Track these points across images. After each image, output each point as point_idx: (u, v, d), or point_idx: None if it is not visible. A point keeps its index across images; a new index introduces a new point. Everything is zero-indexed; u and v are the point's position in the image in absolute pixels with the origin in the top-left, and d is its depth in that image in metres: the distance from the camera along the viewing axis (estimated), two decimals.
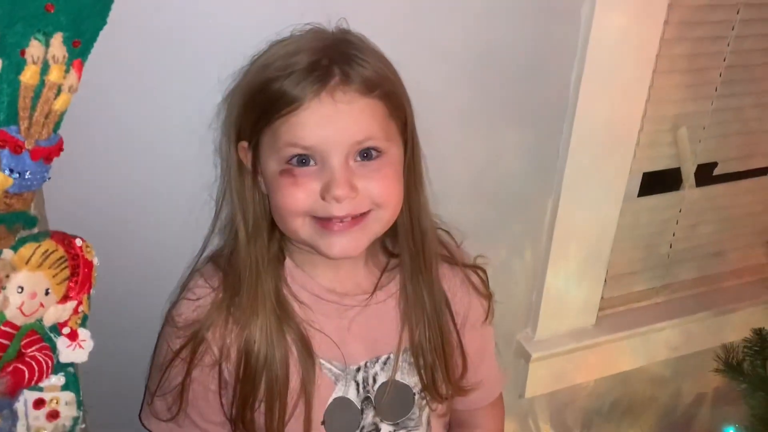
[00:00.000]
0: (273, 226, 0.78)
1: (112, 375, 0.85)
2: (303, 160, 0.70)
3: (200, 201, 0.84)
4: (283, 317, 0.77)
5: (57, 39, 0.49)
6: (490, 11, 0.91)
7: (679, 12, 1.05)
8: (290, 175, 0.71)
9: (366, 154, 0.71)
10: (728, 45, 1.13)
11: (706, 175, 1.26)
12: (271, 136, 0.71)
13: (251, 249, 0.77)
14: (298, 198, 0.71)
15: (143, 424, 0.86)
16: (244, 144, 0.75)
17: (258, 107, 0.71)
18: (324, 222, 0.72)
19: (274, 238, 0.79)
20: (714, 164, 1.25)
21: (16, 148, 0.49)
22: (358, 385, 0.82)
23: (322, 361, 0.80)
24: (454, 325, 0.86)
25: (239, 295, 0.77)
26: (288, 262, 0.80)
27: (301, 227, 0.73)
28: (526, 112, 1.02)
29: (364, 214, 0.73)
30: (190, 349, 0.77)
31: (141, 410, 0.87)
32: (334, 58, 0.70)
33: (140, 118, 0.79)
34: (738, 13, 1.11)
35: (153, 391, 0.82)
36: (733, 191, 1.31)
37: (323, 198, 0.70)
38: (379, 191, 0.72)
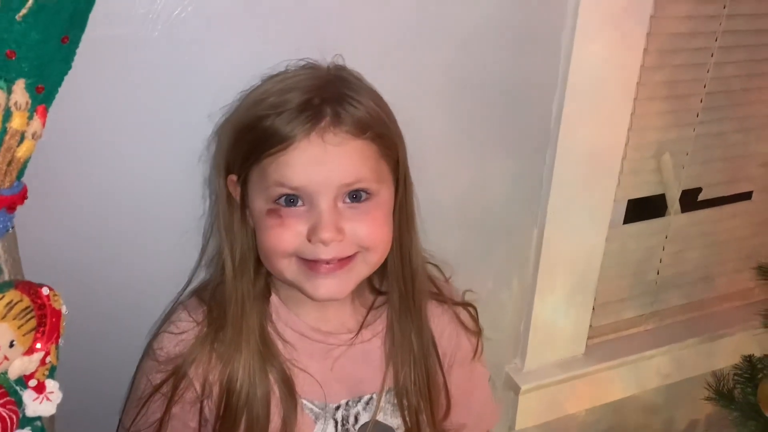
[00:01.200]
0: (260, 261, 0.77)
1: (89, 414, 0.83)
2: (291, 199, 0.69)
3: (186, 235, 0.83)
4: (267, 355, 0.76)
5: (19, 85, 0.47)
6: (471, 40, 0.91)
7: (658, 40, 1.06)
8: (277, 215, 0.70)
9: (355, 195, 0.70)
10: (708, 72, 1.14)
11: (690, 200, 1.26)
12: (259, 174, 0.70)
13: (237, 283, 0.75)
14: (284, 239, 0.70)
15: None
16: (233, 177, 0.74)
17: (248, 143, 0.70)
18: (310, 264, 0.71)
19: (261, 273, 0.78)
20: (698, 189, 1.25)
21: None
22: (336, 423, 0.80)
23: (304, 401, 0.78)
24: (440, 366, 0.84)
25: (224, 330, 0.75)
26: (274, 298, 0.79)
27: (287, 268, 0.72)
28: (508, 141, 1.02)
29: (350, 257, 0.72)
30: (171, 385, 0.75)
31: None
32: (327, 98, 0.69)
33: (128, 150, 0.78)
34: (716, 40, 1.12)
35: (127, 427, 0.80)
36: (719, 216, 1.30)
37: (309, 240, 0.69)
38: (367, 234, 0.71)
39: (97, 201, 0.79)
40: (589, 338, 1.23)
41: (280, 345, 0.77)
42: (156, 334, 0.80)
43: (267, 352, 0.76)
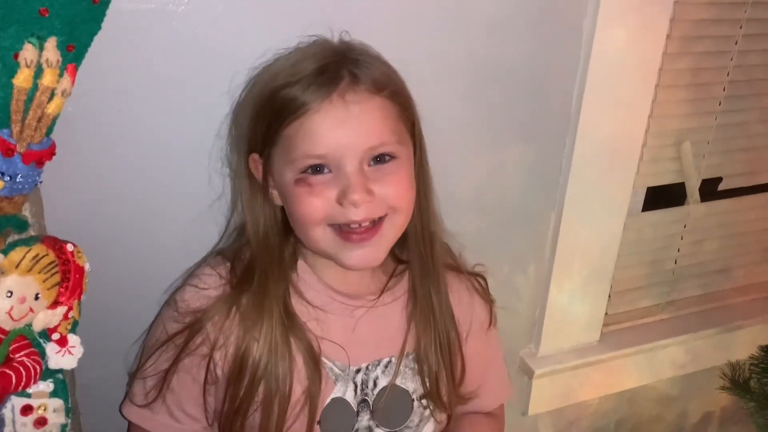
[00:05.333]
0: (286, 235, 0.78)
1: (106, 381, 0.85)
2: (317, 168, 0.70)
3: (205, 207, 0.84)
4: (290, 326, 0.77)
5: (51, 43, 0.49)
6: (492, 26, 0.92)
7: (682, 26, 1.05)
8: (306, 184, 0.71)
9: (379, 158, 0.72)
10: (731, 59, 1.13)
11: (710, 190, 1.25)
12: (283, 147, 0.71)
13: (262, 257, 0.77)
14: (316, 206, 0.71)
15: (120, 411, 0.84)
16: (255, 156, 0.75)
17: (268, 116, 0.71)
18: (344, 234, 0.72)
19: (288, 242, 0.79)
20: (719, 179, 1.25)
21: (8, 151, 0.49)
22: (356, 386, 0.81)
23: (325, 360, 0.79)
24: (457, 334, 0.85)
25: (247, 295, 0.76)
26: (300, 263, 0.80)
27: (322, 237, 0.73)
28: (528, 127, 1.02)
29: (380, 220, 0.73)
30: (185, 336, 0.76)
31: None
32: (341, 61, 0.70)
33: (146, 124, 0.80)
34: (741, 27, 1.11)
35: (136, 372, 0.81)
36: (739, 207, 1.29)
37: (340, 204, 0.70)
38: (395, 194, 0.72)
39: (119, 167, 0.81)
40: (604, 326, 1.23)
41: (303, 308, 0.78)
42: (180, 287, 0.81)
43: (290, 322, 0.77)
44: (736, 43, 1.12)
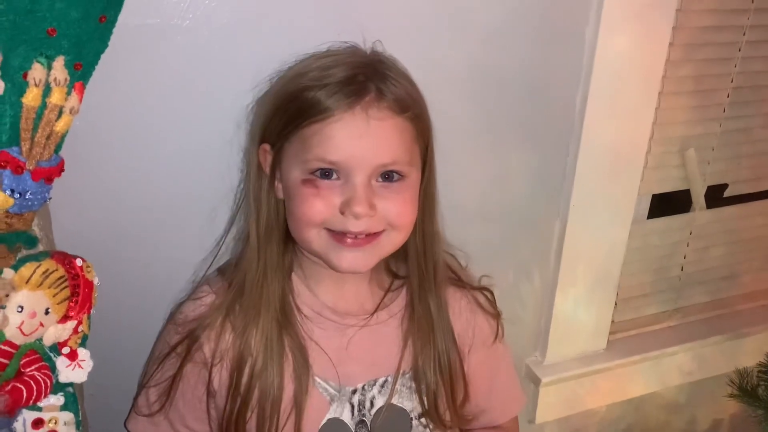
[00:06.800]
0: (286, 236, 0.79)
1: (113, 394, 0.85)
2: (327, 172, 0.71)
3: (219, 206, 0.85)
4: (285, 324, 0.78)
5: (59, 62, 0.50)
6: (494, 34, 0.93)
7: (684, 34, 1.06)
8: (313, 185, 0.71)
9: (388, 176, 0.73)
10: (735, 66, 1.13)
11: (716, 196, 1.25)
12: (298, 145, 0.72)
13: (261, 252, 0.77)
14: (318, 209, 0.71)
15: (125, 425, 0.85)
16: (266, 147, 0.76)
17: (289, 113, 0.72)
18: (338, 236, 0.73)
19: (287, 250, 0.80)
20: (724, 186, 1.25)
21: (18, 169, 0.50)
22: (353, 407, 0.81)
23: (318, 380, 0.79)
24: (458, 351, 0.85)
25: (242, 297, 0.77)
26: (294, 276, 0.81)
27: (315, 238, 0.74)
28: (531, 134, 1.02)
29: (377, 233, 0.74)
30: (185, 346, 0.78)
31: None
32: (370, 75, 0.71)
33: (152, 138, 0.81)
34: (744, 34, 1.11)
35: (143, 384, 0.82)
36: (745, 213, 1.29)
37: (342, 212, 0.71)
38: (396, 214, 0.73)
39: (125, 180, 0.82)
40: (611, 333, 1.23)
41: (297, 318, 0.79)
42: (178, 303, 0.83)
43: (285, 321, 0.78)
44: (739, 50, 1.13)
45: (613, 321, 1.23)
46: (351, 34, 0.79)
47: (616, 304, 1.21)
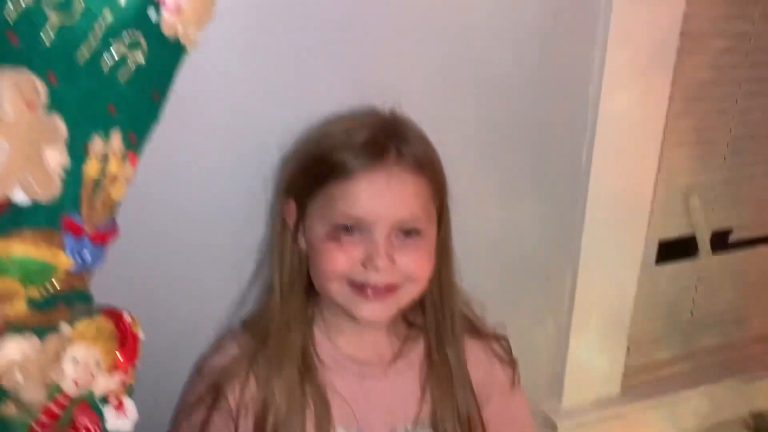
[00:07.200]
0: (308, 288, 0.83)
1: None
2: (349, 228, 0.76)
3: (245, 260, 0.89)
4: (306, 374, 0.81)
5: (116, 135, 0.55)
6: (503, 89, 0.97)
7: (683, 88, 1.11)
8: (336, 240, 0.76)
9: (407, 231, 0.77)
10: (733, 117, 1.18)
11: (721, 241, 1.28)
12: (322, 202, 0.77)
13: (284, 304, 0.81)
14: (340, 262, 0.76)
15: None
16: (291, 203, 0.81)
17: (314, 173, 0.78)
18: (359, 289, 0.77)
19: (309, 302, 0.84)
20: (729, 231, 1.28)
21: (79, 233, 0.54)
22: None
23: (339, 428, 0.82)
24: (476, 400, 0.87)
25: (265, 347, 0.81)
26: (315, 326, 0.84)
27: (338, 290, 0.78)
28: (541, 184, 1.06)
29: (396, 286, 0.78)
30: (211, 397, 0.81)
31: None
32: (390, 136, 0.77)
33: (190, 176, 0.85)
34: (740, 87, 1.17)
35: None
36: (750, 257, 1.32)
37: (363, 266, 0.76)
38: (414, 267, 0.78)
39: (157, 226, 0.84)
40: (624, 378, 1.24)
41: (319, 368, 0.82)
42: (204, 355, 0.87)
43: (306, 370, 0.81)
44: (737, 102, 1.18)
45: (626, 365, 1.24)
46: (370, 94, 0.84)
47: (628, 348, 1.23)
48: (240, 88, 0.84)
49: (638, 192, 1.13)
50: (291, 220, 0.81)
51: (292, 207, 0.81)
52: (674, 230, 1.23)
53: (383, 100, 0.84)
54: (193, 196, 0.86)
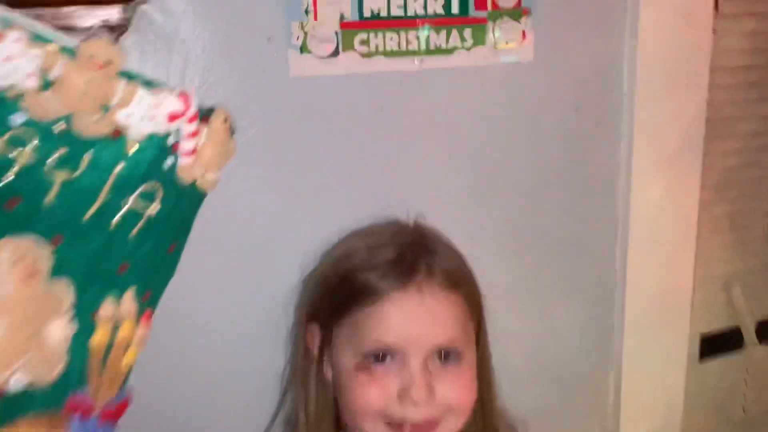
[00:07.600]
0: (336, 422, 0.75)
1: None
2: (381, 356, 0.69)
3: (264, 390, 0.81)
4: None
5: (129, 295, 0.49)
6: (531, 194, 0.94)
7: (713, 175, 1.07)
8: (367, 371, 0.69)
9: (445, 356, 0.70)
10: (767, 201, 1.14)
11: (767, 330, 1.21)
12: (350, 328, 0.70)
13: None
14: (374, 397, 0.68)
15: None
16: (315, 328, 0.74)
17: (339, 296, 0.71)
18: (396, 428, 0.69)
19: None
20: None
21: (86, 414, 0.47)
22: None
23: None
24: None
25: None
26: None
27: (373, 430, 0.70)
28: (575, 288, 1.01)
29: (436, 421, 0.70)
30: None
31: None
32: (418, 252, 0.71)
33: (207, 300, 0.79)
34: None
35: None
36: None
37: (399, 398, 0.68)
38: (457, 398, 0.70)
39: (175, 356, 0.79)
40: None
41: None
42: None
43: None
44: None
45: None
46: (393, 207, 0.80)
47: None
48: (258, 206, 0.79)
49: (677, 287, 1.07)
50: (315, 348, 0.74)
51: (315, 333, 0.74)
52: (717, 323, 1.16)
53: (407, 213, 0.79)
54: (206, 322, 0.80)
